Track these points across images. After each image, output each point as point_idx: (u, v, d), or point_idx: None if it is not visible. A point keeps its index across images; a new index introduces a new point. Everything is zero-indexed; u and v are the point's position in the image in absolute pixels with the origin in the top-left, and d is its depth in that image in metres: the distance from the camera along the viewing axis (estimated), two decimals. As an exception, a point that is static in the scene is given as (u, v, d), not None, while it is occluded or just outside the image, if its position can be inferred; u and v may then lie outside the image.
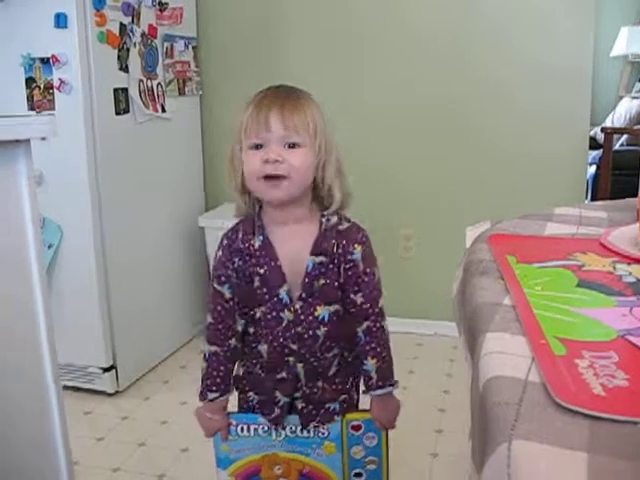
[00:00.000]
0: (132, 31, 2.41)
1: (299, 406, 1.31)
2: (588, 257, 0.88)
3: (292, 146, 1.17)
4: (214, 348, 1.29)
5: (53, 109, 2.22)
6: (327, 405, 1.32)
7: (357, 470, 1.34)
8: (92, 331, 2.36)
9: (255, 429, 1.32)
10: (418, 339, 2.84)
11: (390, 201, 2.87)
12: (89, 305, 2.34)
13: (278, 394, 1.30)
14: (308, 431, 1.31)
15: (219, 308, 1.28)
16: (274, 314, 1.25)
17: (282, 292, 1.24)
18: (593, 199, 3.61)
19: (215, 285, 1.28)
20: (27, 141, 1.31)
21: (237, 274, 1.26)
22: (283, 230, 1.25)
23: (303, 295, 1.24)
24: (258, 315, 1.27)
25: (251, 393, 1.36)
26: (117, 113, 2.36)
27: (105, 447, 2.11)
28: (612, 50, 5.51)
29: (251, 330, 1.30)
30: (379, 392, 1.29)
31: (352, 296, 1.26)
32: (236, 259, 1.25)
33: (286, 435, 1.31)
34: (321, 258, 1.23)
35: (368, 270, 1.26)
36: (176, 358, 2.72)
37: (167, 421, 2.24)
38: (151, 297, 2.63)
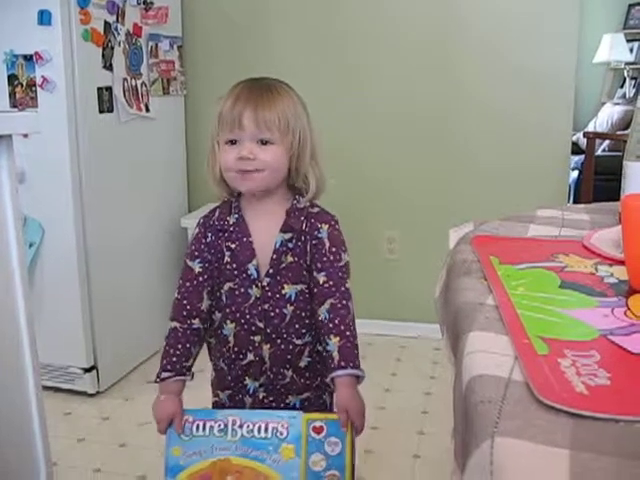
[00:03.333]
0: (117, 30, 2.40)
1: (260, 395, 1.32)
2: (571, 258, 0.89)
3: (264, 143, 1.24)
4: (174, 324, 1.28)
5: (36, 107, 2.20)
6: (288, 400, 1.32)
7: None
8: (73, 331, 2.34)
9: (211, 427, 1.23)
10: (401, 341, 2.84)
11: (374, 203, 2.88)
12: (70, 305, 2.32)
13: (247, 380, 1.31)
14: (266, 430, 1.22)
15: (187, 284, 1.29)
16: (242, 290, 1.28)
17: (251, 267, 1.27)
18: (575, 203, 3.64)
19: (187, 261, 1.31)
20: (9, 137, 1.30)
21: (209, 249, 1.30)
22: (257, 210, 1.30)
23: (271, 271, 1.27)
24: (224, 293, 1.29)
25: (221, 392, 1.36)
26: (101, 112, 2.34)
27: (85, 448, 2.09)
28: (595, 57, 5.56)
29: (217, 314, 1.31)
30: (340, 373, 1.19)
31: (315, 274, 1.26)
32: (209, 234, 1.31)
33: (242, 435, 1.22)
34: (289, 235, 1.27)
35: (334, 249, 1.27)
36: (158, 358, 2.69)
37: (149, 422, 2.21)
38: (133, 297, 2.61)
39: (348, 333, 1.22)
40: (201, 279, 1.29)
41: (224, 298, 1.30)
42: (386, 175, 2.85)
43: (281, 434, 1.21)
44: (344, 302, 1.24)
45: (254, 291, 1.27)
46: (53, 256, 2.29)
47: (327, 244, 1.27)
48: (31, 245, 2.26)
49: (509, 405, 0.51)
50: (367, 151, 2.84)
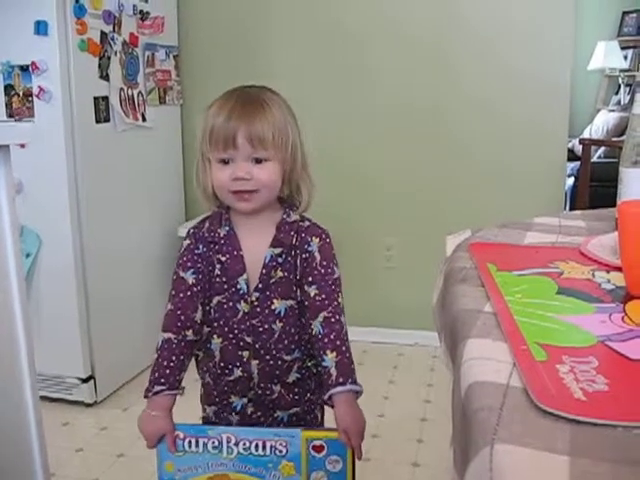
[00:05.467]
0: (113, 39, 2.40)
1: (248, 411, 1.30)
2: (568, 265, 0.89)
3: (259, 161, 1.21)
4: (168, 335, 1.24)
5: (32, 117, 2.20)
6: (276, 414, 1.30)
7: None
8: (70, 341, 2.33)
9: (204, 443, 1.19)
10: (399, 349, 2.84)
11: (371, 211, 2.88)
12: (67, 314, 2.32)
13: (233, 397, 1.29)
14: (264, 448, 1.18)
15: (181, 295, 1.26)
16: (230, 304, 1.26)
17: (241, 281, 1.24)
18: (571, 210, 3.65)
19: (179, 272, 1.28)
20: (6, 147, 1.30)
21: (201, 260, 1.27)
22: (248, 224, 1.27)
23: (260, 286, 1.24)
24: (214, 306, 1.27)
25: (208, 407, 1.34)
26: (97, 121, 2.35)
27: (83, 458, 2.08)
28: (589, 64, 5.59)
29: (206, 328, 1.28)
30: (340, 389, 1.15)
31: (306, 288, 1.24)
32: (200, 245, 1.27)
33: (239, 452, 1.18)
34: (279, 249, 1.25)
35: (324, 263, 1.25)
36: (155, 368, 2.69)
37: (146, 432, 2.22)
38: (130, 307, 2.61)
39: (344, 348, 1.19)
40: (195, 290, 1.26)
41: (212, 312, 1.27)
42: (383, 183, 2.85)
43: (280, 452, 1.17)
44: (337, 317, 1.21)
45: (242, 306, 1.25)
46: (50, 266, 2.29)
47: (318, 258, 1.25)
48: (28, 255, 2.25)
49: (508, 412, 0.51)
50: (364, 158, 2.84)
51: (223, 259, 1.26)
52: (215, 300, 1.27)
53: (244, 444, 1.18)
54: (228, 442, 1.18)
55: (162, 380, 1.21)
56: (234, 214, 1.28)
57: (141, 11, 2.56)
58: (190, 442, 1.19)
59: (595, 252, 0.93)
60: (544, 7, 2.61)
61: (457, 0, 2.68)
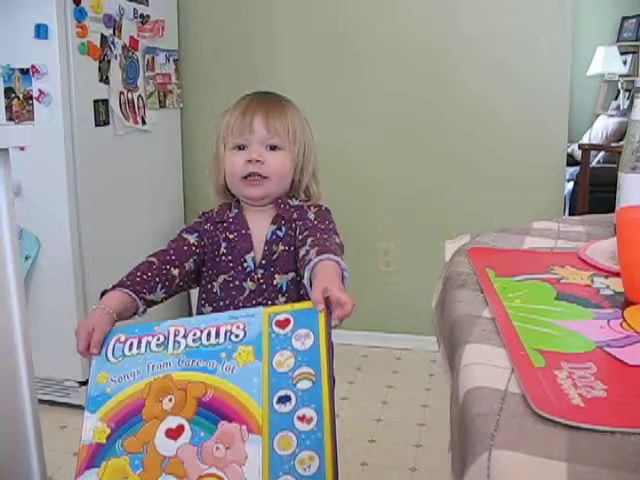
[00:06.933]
0: (113, 43, 2.41)
1: None
2: (566, 270, 0.89)
3: (273, 148, 1.26)
4: (152, 259, 1.22)
5: (32, 120, 2.20)
6: None
7: (283, 392, 0.89)
8: (69, 344, 2.31)
9: (148, 342, 0.99)
10: (397, 353, 2.84)
11: (369, 215, 2.88)
12: (66, 317, 2.31)
13: None
14: (217, 336, 0.97)
15: (180, 243, 1.27)
16: (236, 283, 1.26)
17: (248, 258, 1.26)
18: (571, 214, 3.65)
19: (182, 234, 1.30)
20: (5, 150, 1.30)
21: (207, 236, 1.29)
22: (255, 209, 1.30)
23: (263, 262, 1.26)
24: (218, 286, 1.27)
25: None
26: (97, 125, 2.35)
27: (81, 462, 2.08)
28: (589, 69, 5.59)
29: (208, 307, 1.29)
30: (318, 258, 1.04)
31: (300, 247, 1.18)
32: (208, 224, 1.30)
33: (186, 345, 0.97)
34: (279, 224, 1.27)
35: (319, 221, 1.24)
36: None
37: (144, 435, 2.21)
38: (129, 310, 2.60)
39: (328, 243, 1.12)
40: (194, 248, 1.26)
41: (217, 291, 1.28)
42: (382, 187, 2.85)
43: (236, 336, 0.96)
44: (331, 239, 1.15)
45: (249, 284, 1.26)
46: (49, 269, 2.29)
47: (313, 219, 1.26)
48: (27, 258, 2.25)
49: (506, 418, 0.51)
50: (363, 162, 2.85)
51: (231, 237, 1.28)
52: (220, 279, 1.28)
53: (194, 334, 0.98)
54: (176, 335, 0.99)
55: (125, 281, 1.13)
56: (243, 204, 1.32)
57: (141, 15, 2.56)
58: (132, 344, 1.00)
59: (594, 258, 0.93)
60: (542, 13, 2.62)
61: (456, 8, 2.69)
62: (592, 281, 0.85)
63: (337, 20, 2.80)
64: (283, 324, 0.95)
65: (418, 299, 2.57)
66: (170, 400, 0.93)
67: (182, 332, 0.99)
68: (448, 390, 0.67)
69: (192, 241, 1.28)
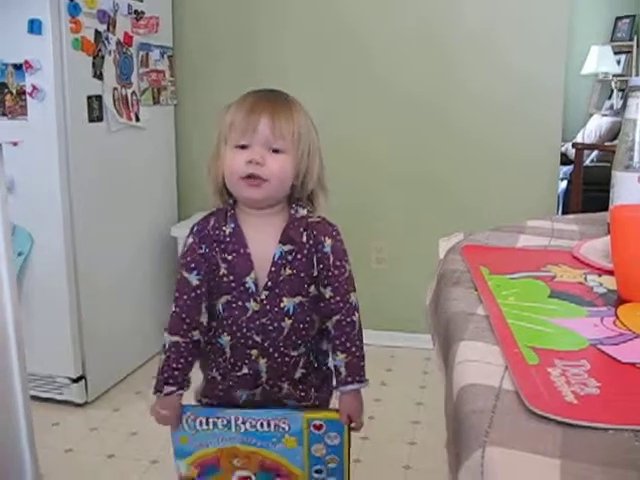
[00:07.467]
0: (107, 39, 2.40)
1: (255, 400, 1.31)
2: (560, 268, 0.89)
3: (275, 151, 1.21)
4: (176, 338, 1.26)
5: (25, 115, 2.19)
6: (284, 402, 1.32)
7: (318, 467, 1.32)
8: (61, 340, 2.32)
9: (214, 422, 1.29)
10: (391, 351, 2.85)
11: (362, 212, 2.88)
12: (59, 314, 2.31)
13: (239, 391, 1.30)
14: (269, 426, 1.27)
15: (185, 297, 1.26)
16: (239, 303, 1.25)
17: (249, 280, 1.24)
18: (564, 213, 3.66)
19: (183, 272, 1.27)
20: (-1, 146, 1.30)
21: (205, 260, 1.26)
22: (254, 221, 1.27)
23: (269, 284, 1.24)
24: (221, 306, 1.26)
25: (204, 400, 1.35)
26: (90, 121, 2.34)
27: (73, 459, 2.07)
28: (583, 68, 5.61)
29: (213, 324, 1.29)
30: (349, 388, 1.28)
31: (322, 289, 1.27)
32: (203, 245, 1.26)
33: (245, 429, 1.28)
34: (289, 246, 1.25)
35: (338, 263, 1.27)
36: (147, 368, 2.68)
37: (137, 432, 2.21)
38: (122, 306, 2.60)
39: (354, 349, 1.29)
40: (199, 292, 1.26)
41: (221, 310, 1.26)
42: (375, 185, 2.86)
43: (283, 429, 1.28)
44: (349, 318, 1.29)
45: (252, 305, 1.24)
46: (42, 265, 2.28)
47: (332, 258, 1.26)
48: (20, 254, 2.25)
49: (500, 415, 0.51)
50: (355, 161, 2.85)
51: (229, 258, 1.25)
52: (223, 299, 1.26)
53: (251, 422, 1.28)
54: (236, 421, 1.28)
55: (171, 381, 1.26)
56: (240, 211, 1.28)
57: (136, 11, 2.55)
58: (201, 422, 1.29)
59: (587, 256, 0.93)
60: (538, 11, 2.62)
61: (459, 7, 2.69)
62: (586, 279, 0.85)
63: (334, 13, 2.79)
64: (318, 428, 1.29)
65: (411, 297, 2.58)
66: (238, 462, 1.31)
67: (241, 419, 1.28)
68: (442, 388, 0.67)
69: (194, 283, 1.26)
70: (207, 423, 1.29)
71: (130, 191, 2.62)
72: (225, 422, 1.28)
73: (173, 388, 1.25)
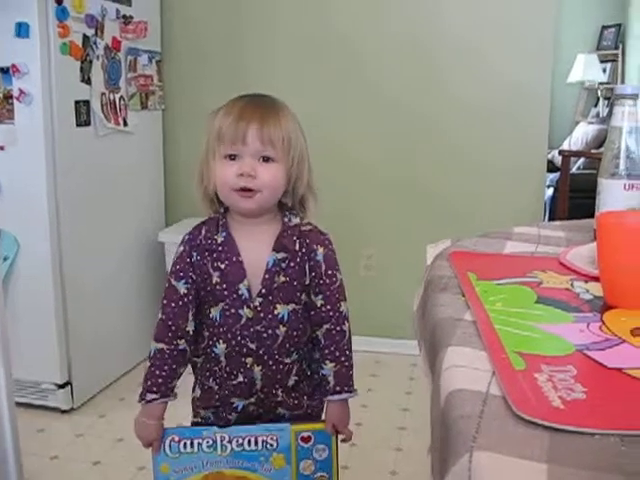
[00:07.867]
0: (95, 43, 2.39)
1: (251, 409, 1.30)
2: (547, 275, 0.90)
3: (266, 160, 1.20)
4: (161, 345, 1.25)
5: (12, 119, 2.18)
6: (277, 411, 1.31)
7: None
8: (47, 346, 2.31)
9: (199, 444, 1.26)
10: (377, 357, 2.85)
11: (352, 219, 2.88)
12: (44, 319, 2.29)
13: (234, 399, 1.29)
14: (256, 443, 1.26)
15: (172, 305, 1.26)
16: (232, 311, 1.25)
17: (242, 287, 1.23)
18: (550, 220, 3.68)
19: (171, 280, 1.27)
20: (-15, 150, 1.29)
21: (194, 269, 1.26)
22: (246, 228, 1.26)
23: (263, 291, 1.24)
24: (214, 314, 1.26)
25: (203, 411, 1.34)
26: (78, 125, 2.33)
27: (59, 466, 2.06)
28: (569, 76, 5.65)
29: (206, 333, 1.28)
30: (336, 397, 1.28)
31: (313, 298, 1.28)
32: (194, 254, 1.26)
33: (232, 449, 1.26)
34: (282, 254, 1.24)
35: (330, 272, 1.28)
36: (134, 375, 2.67)
37: (123, 439, 2.20)
38: (109, 312, 2.59)
39: (343, 358, 1.29)
40: (186, 300, 1.26)
41: (217, 317, 1.26)
42: (364, 192, 2.86)
43: (271, 445, 1.26)
44: (339, 327, 1.29)
45: (245, 312, 1.24)
46: (28, 270, 2.27)
47: (323, 267, 1.27)
48: (5, 259, 2.23)
49: (487, 420, 0.51)
50: (343, 169, 2.85)
51: (222, 266, 1.24)
52: (215, 311, 1.26)
53: (237, 441, 1.26)
54: (222, 440, 1.26)
55: (154, 389, 1.25)
56: (231, 219, 1.27)
57: (124, 15, 2.55)
58: (185, 444, 1.26)
59: (574, 262, 0.94)
60: (526, 19, 2.64)
61: (443, 14, 2.70)
62: (572, 285, 0.85)
63: (324, 19, 2.80)
64: (306, 440, 1.28)
65: (399, 303, 2.58)
66: None
67: (227, 438, 1.26)
68: (428, 394, 0.67)
69: (182, 291, 1.26)
70: (192, 445, 1.26)
71: (117, 196, 2.61)
72: (210, 442, 1.25)
73: (156, 396, 1.24)
